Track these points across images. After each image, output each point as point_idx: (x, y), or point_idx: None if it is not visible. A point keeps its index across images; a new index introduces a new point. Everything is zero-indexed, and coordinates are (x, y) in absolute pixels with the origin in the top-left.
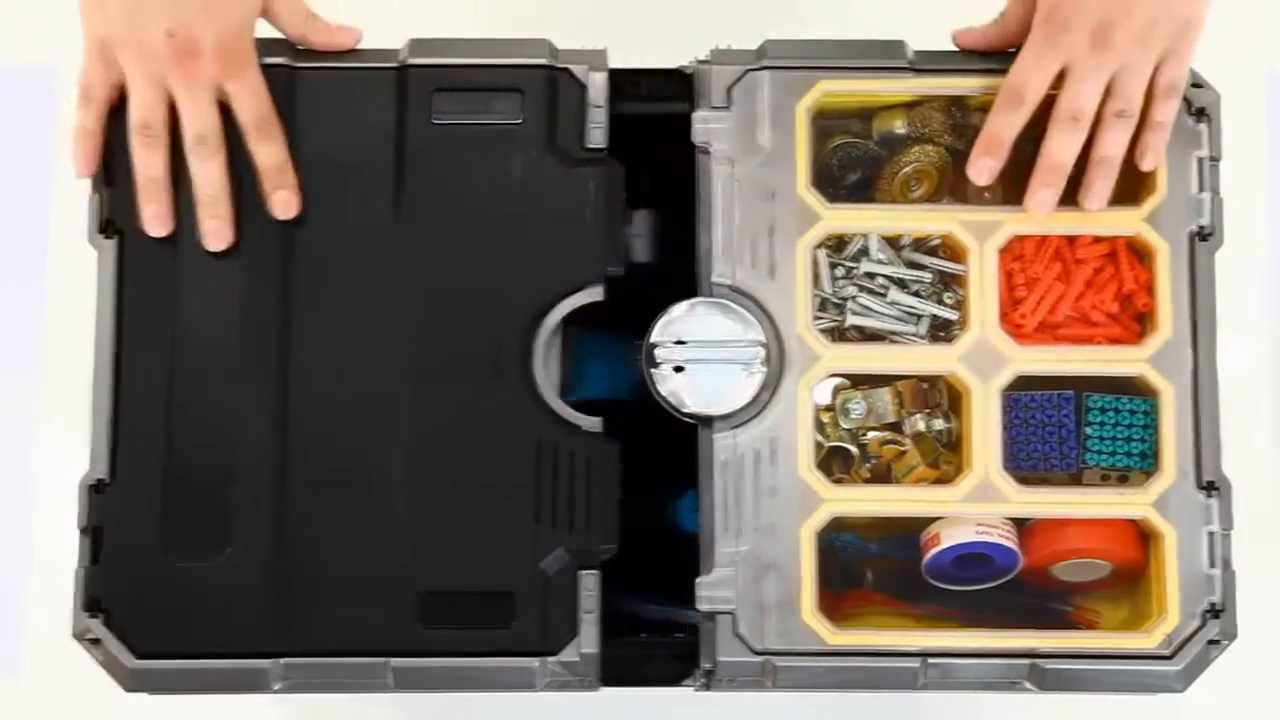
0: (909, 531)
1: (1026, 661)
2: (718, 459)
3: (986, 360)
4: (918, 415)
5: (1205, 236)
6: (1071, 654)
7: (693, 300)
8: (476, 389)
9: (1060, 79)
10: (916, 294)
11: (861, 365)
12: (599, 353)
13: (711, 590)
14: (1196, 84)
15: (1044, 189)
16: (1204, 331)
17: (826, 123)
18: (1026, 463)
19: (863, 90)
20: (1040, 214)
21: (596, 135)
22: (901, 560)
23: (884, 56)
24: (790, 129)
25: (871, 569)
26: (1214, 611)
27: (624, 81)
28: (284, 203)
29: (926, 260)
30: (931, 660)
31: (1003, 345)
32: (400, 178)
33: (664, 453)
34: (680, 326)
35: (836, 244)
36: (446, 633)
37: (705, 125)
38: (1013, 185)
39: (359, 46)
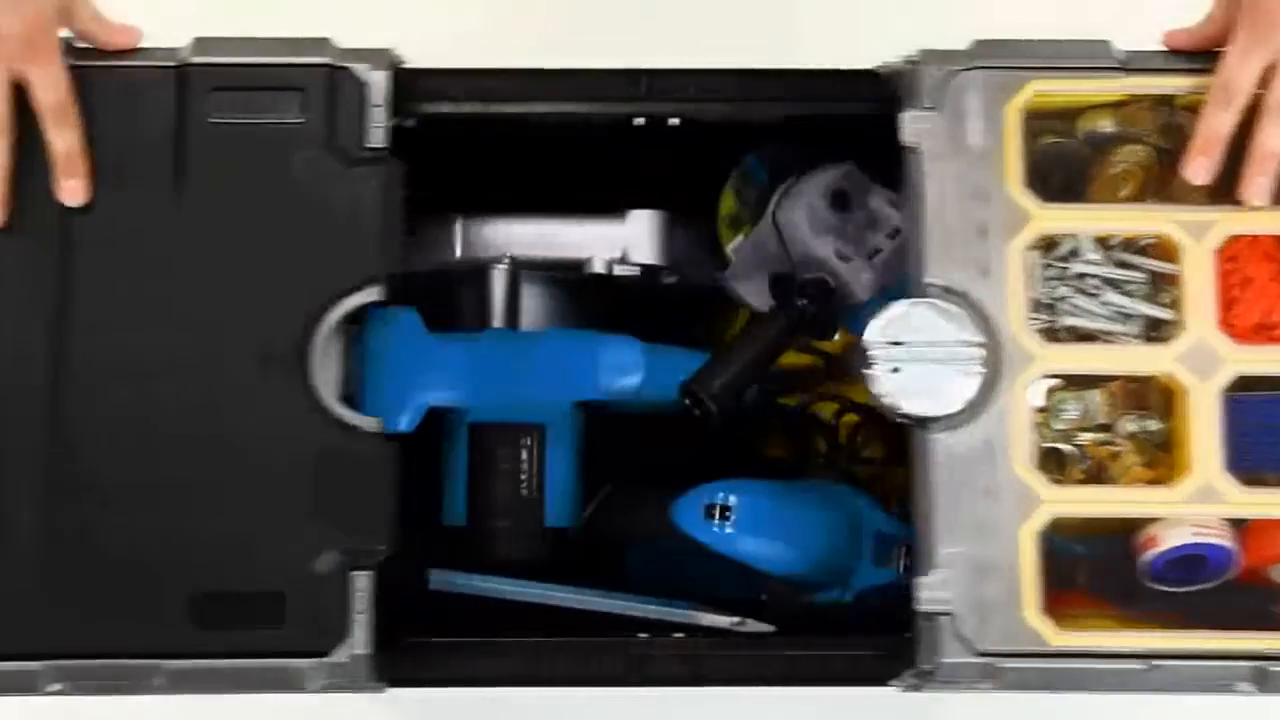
0: (1116, 533)
1: (1249, 664)
2: (936, 460)
3: (1204, 361)
4: (1130, 416)
5: None
6: None
7: (908, 301)
8: (253, 389)
9: (1269, 73)
10: (1129, 294)
11: (1078, 366)
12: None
13: (932, 591)
14: None
15: (1259, 177)
16: None
17: (1028, 122)
18: (1244, 463)
19: (1073, 90)
20: (1255, 202)
21: (376, 135)
22: (1108, 561)
23: (1093, 56)
24: (1001, 129)
25: (1081, 570)
26: None
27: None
28: (73, 190)
29: (1138, 260)
30: (1155, 662)
31: (1220, 346)
32: (180, 177)
33: (662, 454)
34: (897, 327)
35: (1046, 245)
36: (218, 634)
37: (915, 125)
38: (1219, 185)
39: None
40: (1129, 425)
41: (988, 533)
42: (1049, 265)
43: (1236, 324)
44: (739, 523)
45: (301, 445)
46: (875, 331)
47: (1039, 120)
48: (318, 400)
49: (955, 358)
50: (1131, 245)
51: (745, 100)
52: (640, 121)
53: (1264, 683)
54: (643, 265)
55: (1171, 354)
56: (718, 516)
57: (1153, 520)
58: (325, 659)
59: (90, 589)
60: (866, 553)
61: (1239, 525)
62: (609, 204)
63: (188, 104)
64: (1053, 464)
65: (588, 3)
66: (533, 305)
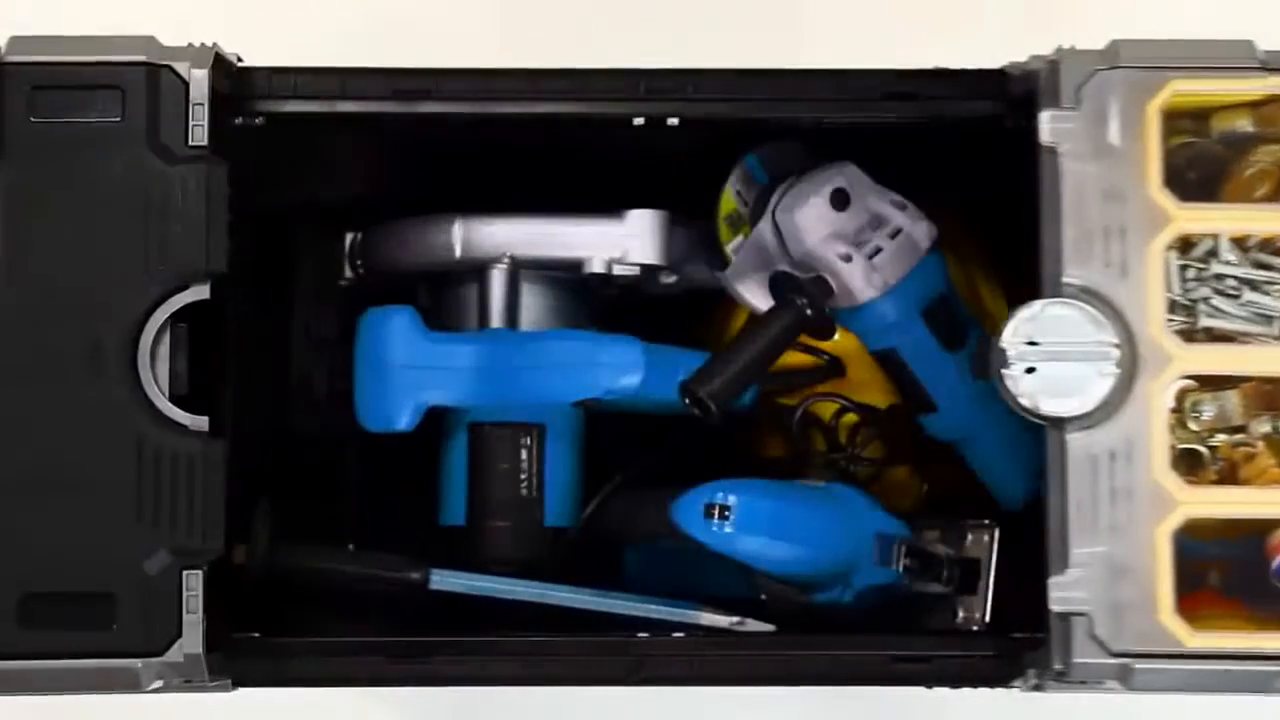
0: (1249, 534)
1: None
2: (1071, 460)
3: None
4: (1263, 416)
5: None
6: None
7: (1044, 301)
8: (78, 388)
9: None
10: (1267, 294)
11: (1217, 367)
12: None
13: (1065, 591)
14: None
15: None
16: None
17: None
18: None
19: (1213, 90)
20: None
21: (198, 133)
22: (1240, 562)
23: (1235, 56)
24: (1140, 129)
25: (1211, 571)
26: None
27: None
28: None
29: (1274, 260)
30: None
31: None
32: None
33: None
34: (1032, 327)
35: (1182, 244)
36: (46, 635)
37: (1054, 125)
38: None
39: None
40: (1263, 426)
41: (1122, 533)
42: (1186, 265)
43: None
44: (738, 522)
45: (130, 444)
46: (1011, 332)
47: (1171, 120)
48: (146, 399)
49: (1091, 357)
50: (1268, 245)
51: (772, 100)
52: (640, 121)
53: None
54: (643, 265)
55: None
56: (717, 516)
57: None
58: (158, 659)
59: None
60: (866, 553)
61: None
62: (609, 204)
63: (6, 103)
64: (1183, 465)
65: (588, 2)
66: (533, 305)
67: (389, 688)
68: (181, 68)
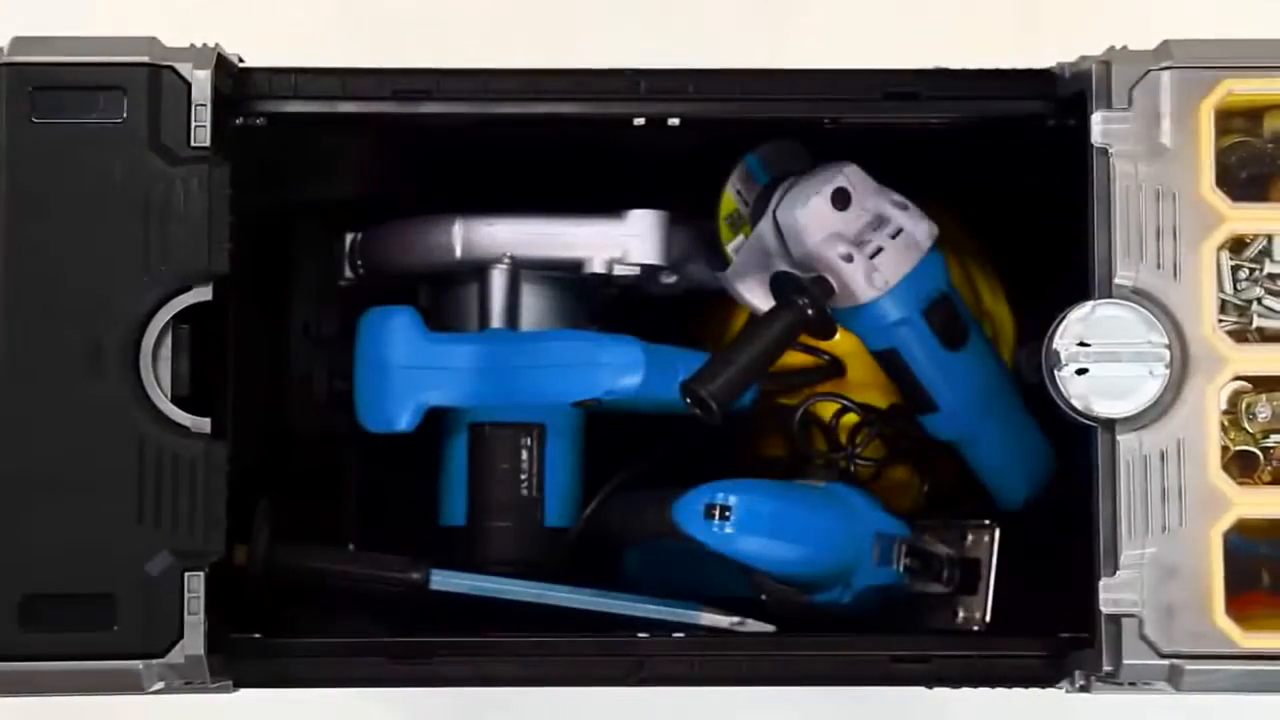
0: None
1: None
2: (1122, 461)
3: None
4: None
5: None
6: None
7: (1094, 302)
8: (80, 389)
9: None
10: None
11: (1269, 368)
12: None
13: (1115, 593)
14: None
15: None
16: None
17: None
18: None
19: (1268, 90)
20: None
21: (200, 134)
22: None
23: None
24: (1193, 130)
25: (1264, 571)
26: None
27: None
28: None
29: None
30: None
31: None
32: (2, 177)
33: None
34: (1082, 328)
35: (1234, 245)
36: (47, 636)
37: (1106, 126)
38: None
39: None
40: None
41: (1174, 534)
42: (1238, 266)
43: None
44: (738, 523)
45: (132, 445)
46: (1062, 333)
47: (1223, 119)
48: (148, 400)
49: (1143, 358)
50: None
51: (768, 99)
52: (640, 121)
53: None
54: (643, 265)
55: None
56: (717, 516)
57: None
58: (159, 660)
59: None
60: (866, 553)
61: None
62: (609, 204)
63: (8, 104)
64: (1236, 466)
65: (588, 2)
66: (533, 305)
67: (389, 688)
68: (184, 68)
